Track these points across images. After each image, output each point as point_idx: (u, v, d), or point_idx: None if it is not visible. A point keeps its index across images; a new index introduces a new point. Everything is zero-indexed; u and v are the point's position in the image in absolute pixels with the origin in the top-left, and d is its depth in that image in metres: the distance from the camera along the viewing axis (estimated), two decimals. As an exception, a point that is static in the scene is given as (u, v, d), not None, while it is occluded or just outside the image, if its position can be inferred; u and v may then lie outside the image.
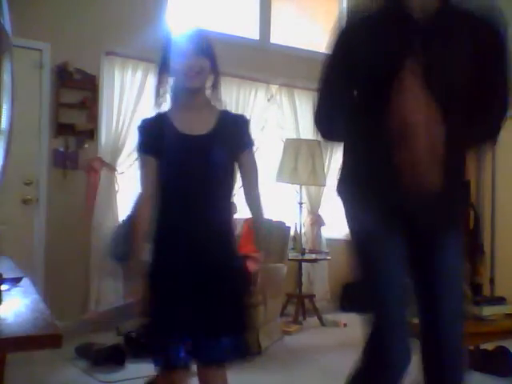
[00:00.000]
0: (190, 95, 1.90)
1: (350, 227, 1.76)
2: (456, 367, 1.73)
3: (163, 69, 1.98)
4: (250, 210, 1.94)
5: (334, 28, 1.82)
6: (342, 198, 1.78)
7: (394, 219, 1.64)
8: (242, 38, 5.28)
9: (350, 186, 1.75)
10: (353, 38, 1.74)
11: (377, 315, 1.74)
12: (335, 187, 1.81)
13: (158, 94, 1.98)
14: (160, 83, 1.98)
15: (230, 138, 1.86)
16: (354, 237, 1.75)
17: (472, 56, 1.61)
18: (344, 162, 1.80)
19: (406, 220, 1.64)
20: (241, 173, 1.93)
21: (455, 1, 1.67)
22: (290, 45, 5.55)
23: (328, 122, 1.78)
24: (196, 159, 1.82)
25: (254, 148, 1.98)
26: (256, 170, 1.95)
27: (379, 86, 1.61)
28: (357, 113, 1.72)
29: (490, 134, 1.75)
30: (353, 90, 1.76)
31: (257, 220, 1.95)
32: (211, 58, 1.94)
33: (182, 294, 1.75)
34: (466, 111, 1.65)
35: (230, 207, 1.96)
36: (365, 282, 1.80)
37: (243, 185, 1.94)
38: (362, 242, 1.73)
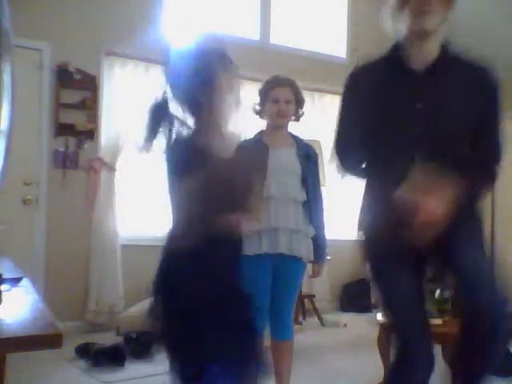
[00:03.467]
0: None
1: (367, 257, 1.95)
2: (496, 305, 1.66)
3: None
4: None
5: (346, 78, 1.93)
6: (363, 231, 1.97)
7: (406, 256, 1.73)
8: (242, 38, 5.28)
9: (367, 221, 1.94)
10: (359, 89, 1.85)
11: (401, 334, 1.82)
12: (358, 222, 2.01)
13: None
14: None
15: None
16: (371, 268, 1.92)
17: (470, 103, 1.71)
18: (363, 198, 2.02)
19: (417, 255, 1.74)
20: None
21: (453, 50, 1.77)
22: (289, 45, 5.55)
23: (344, 160, 1.97)
24: None
25: None
26: None
27: (384, 136, 1.77)
28: (370, 160, 1.89)
29: (487, 180, 1.80)
30: (364, 138, 1.85)
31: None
32: None
33: None
34: (462, 158, 1.73)
35: None
36: (387, 307, 1.87)
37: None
38: (377, 271, 1.87)
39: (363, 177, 1.97)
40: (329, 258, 5.18)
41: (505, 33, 5.51)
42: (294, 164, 2.64)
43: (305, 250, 2.64)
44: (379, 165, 1.82)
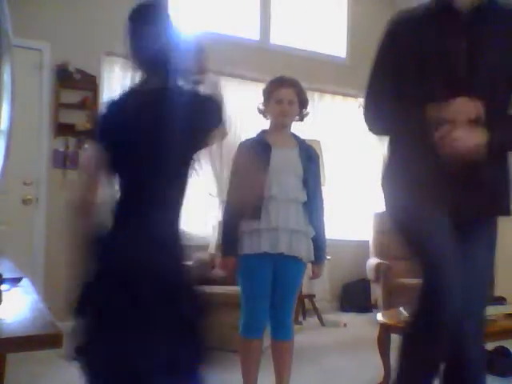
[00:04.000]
0: None
1: (398, 215, 1.83)
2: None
3: None
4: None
5: (385, 25, 1.88)
6: (389, 189, 1.86)
7: (442, 209, 1.72)
8: (242, 38, 5.28)
9: (399, 179, 1.80)
10: (403, 34, 1.80)
11: (433, 276, 1.72)
12: (381, 179, 1.90)
13: None
14: None
15: None
16: (403, 221, 1.80)
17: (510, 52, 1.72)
18: (392, 156, 1.87)
19: (450, 209, 1.72)
20: None
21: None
22: (289, 45, 5.55)
23: (376, 117, 1.87)
24: None
25: None
26: None
27: (429, 81, 1.71)
28: (405, 109, 1.77)
29: None
30: (402, 85, 1.79)
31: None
32: None
33: None
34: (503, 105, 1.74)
35: None
36: (418, 250, 1.79)
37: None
38: (412, 223, 1.77)
39: (392, 133, 1.87)
40: (329, 257, 5.18)
41: None
42: (295, 164, 2.66)
43: (305, 251, 2.64)
44: (416, 112, 1.72)
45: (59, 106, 4.37)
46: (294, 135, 2.79)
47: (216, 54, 5.60)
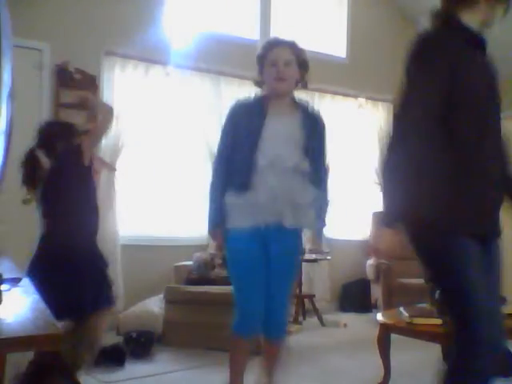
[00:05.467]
0: None
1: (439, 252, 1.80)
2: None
3: None
4: None
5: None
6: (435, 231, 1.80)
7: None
8: (242, 38, 5.28)
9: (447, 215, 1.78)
10: (446, 51, 1.76)
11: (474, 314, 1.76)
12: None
13: None
14: None
15: None
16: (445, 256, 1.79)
17: None
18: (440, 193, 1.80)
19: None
20: None
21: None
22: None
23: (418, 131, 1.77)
24: None
25: None
26: None
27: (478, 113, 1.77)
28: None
29: None
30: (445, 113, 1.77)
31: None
32: None
33: None
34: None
35: None
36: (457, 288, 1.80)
37: None
38: (456, 259, 1.78)
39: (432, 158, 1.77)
40: (329, 258, 5.19)
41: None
42: (294, 132, 2.38)
43: (304, 222, 2.42)
44: (470, 138, 1.75)
45: (59, 105, 4.37)
46: (296, 102, 2.49)
47: (216, 53, 5.64)
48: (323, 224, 2.52)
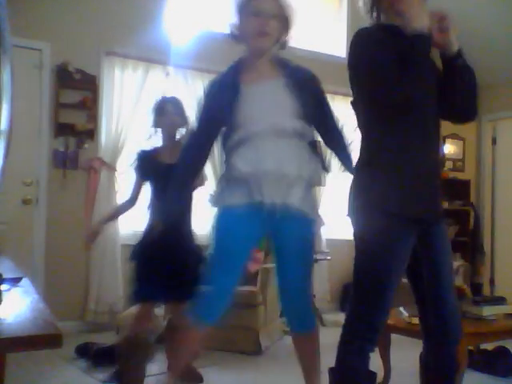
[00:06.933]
0: None
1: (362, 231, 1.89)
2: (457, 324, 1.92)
3: None
4: None
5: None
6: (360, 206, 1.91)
7: (407, 223, 1.81)
8: (242, 38, 5.27)
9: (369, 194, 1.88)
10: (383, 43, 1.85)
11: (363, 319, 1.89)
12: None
13: None
14: None
15: None
16: (367, 240, 1.86)
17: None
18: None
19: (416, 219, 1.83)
20: None
21: None
22: (289, 44, 5.54)
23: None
24: None
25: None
26: None
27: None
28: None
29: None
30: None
31: None
32: None
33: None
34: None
35: None
36: (366, 283, 1.87)
37: None
38: (375, 245, 1.83)
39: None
40: (329, 258, 5.19)
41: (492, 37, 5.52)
42: (281, 99, 2.04)
43: (308, 207, 2.07)
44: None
45: (59, 105, 4.37)
46: (277, 60, 2.15)
47: (215, 53, 5.65)
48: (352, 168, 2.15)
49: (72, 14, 4.45)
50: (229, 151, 2.09)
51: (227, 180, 2.07)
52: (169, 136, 2.89)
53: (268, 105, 2.02)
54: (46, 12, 4.35)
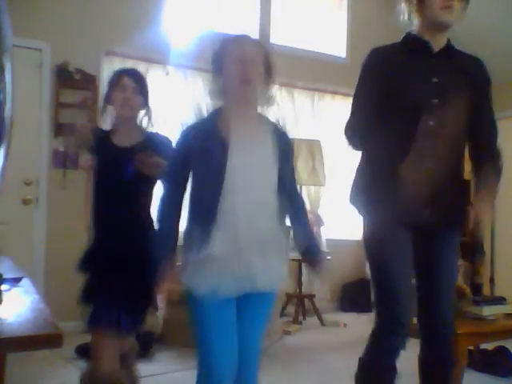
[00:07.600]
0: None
1: (364, 233, 2.08)
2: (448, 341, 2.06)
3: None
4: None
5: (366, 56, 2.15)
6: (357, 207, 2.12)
7: (402, 225, 1.95)
8: (242, 37, 5.28)
9: (364, 197, 2.08)
10: (383, 67, 2.07)
11: (383, 313, 2.01)
12: (349, 197, 2.16)
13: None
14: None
15: None
16: (367, 242, 2.05)
17: (469, 86, 2.02)
18: (360, 174, 2.17)
19: (411, 223, 1.98)
20: None
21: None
22: (290, 44, 5.55)
23: (355, 135, 2.14)
24: None
25: None
26: None
27: (408, 112, 1.95)
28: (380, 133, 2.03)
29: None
30: (380, 113, 2.03)
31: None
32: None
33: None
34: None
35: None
36: (375, 282, 2.03)
37: None
38: (373, 246, 2.02)
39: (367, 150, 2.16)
40: (329, 258, 5.19)
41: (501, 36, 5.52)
42: (266, 160, 1.83)
43: (277, 277, 2.00)
44: (391, 137, 1.99)
45: (59, 105, 4.37)
46: (261, 117, 1.91)
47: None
48: (320, 253, 2.07)
49: (72, 14, 4.45)
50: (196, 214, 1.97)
51: (194, 256, 1.85)
52: (123, 115, 2.37)
53: (253, 177, 1.82)
54: (46, 12, 4.35)
